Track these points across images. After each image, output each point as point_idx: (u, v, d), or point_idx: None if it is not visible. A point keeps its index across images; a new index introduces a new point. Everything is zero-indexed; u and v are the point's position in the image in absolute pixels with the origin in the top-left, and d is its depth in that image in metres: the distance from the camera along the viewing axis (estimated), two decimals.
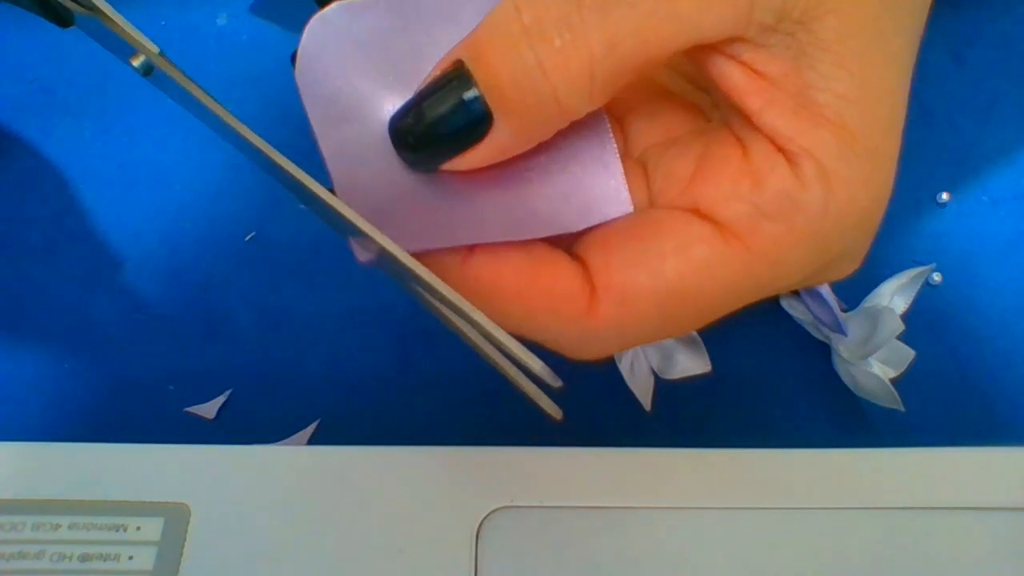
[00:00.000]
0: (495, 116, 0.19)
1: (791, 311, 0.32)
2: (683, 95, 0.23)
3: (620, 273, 0.20)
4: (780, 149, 0.19)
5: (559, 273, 0.20)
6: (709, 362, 0.30)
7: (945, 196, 0.34)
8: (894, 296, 0.30)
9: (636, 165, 0.22)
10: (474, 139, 0.19)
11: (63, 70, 0.37)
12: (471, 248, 0.20)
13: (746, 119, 0.20)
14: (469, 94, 0.18)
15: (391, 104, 0.20)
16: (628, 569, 0.23)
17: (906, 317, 0.29)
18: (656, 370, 0.30)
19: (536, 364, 0.17)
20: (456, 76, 0.19)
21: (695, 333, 0.29)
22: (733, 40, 0.19)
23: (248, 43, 0.37)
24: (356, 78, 0.20)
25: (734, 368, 0.31)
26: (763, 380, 0.31)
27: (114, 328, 0.32)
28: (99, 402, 0.30)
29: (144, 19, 0.38)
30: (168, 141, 0.35)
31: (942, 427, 0.30)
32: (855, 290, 0.31)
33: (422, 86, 0.19)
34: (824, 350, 0.31)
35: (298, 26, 0.20)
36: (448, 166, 0.20)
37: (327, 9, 0.20)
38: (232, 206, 0.34)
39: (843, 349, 0.30)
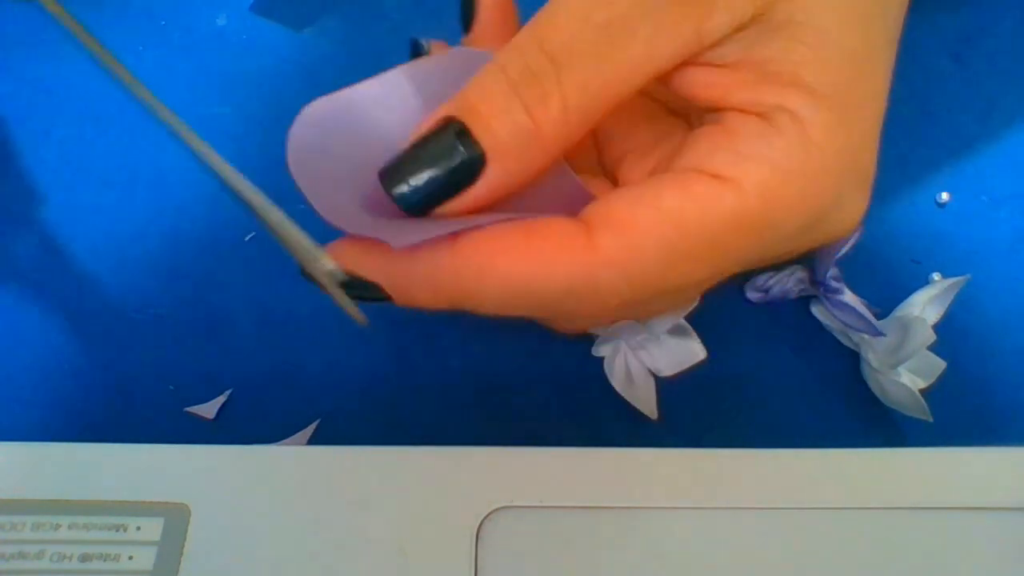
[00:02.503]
0: (488, 160, 0.21)
1: (821, 318, 0.31)
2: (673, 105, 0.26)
3: (619, 210, 0.21)
4: (752, 115, 0.21)
5: (549, 223, 0.21)
6: (703, 349, 0.29)
7: (945, 196, 0.34)
8: (926, 306, 0.30)
9: (604, 181, 0.25)
10: (467, 184, 0.21)
11: (63, 70, 0.37)
12: (454, 238, 0.21)
13: (717, 106, 0.22)
14: (463, 142, 0.20)
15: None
16: (628, 569, 0.23)
17: (938, 328, 0.29)
18: (652, 369, 0.30)
19: (327, 260, 0.21)
20: (447, 128, 0.21)
21: (682, 321, 0.29)
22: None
23: (248, 43, 0.37)
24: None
25: (757, 372, 0.31)
26: (785, 385, 0.31)
27: (114, 328, 0.32)
28: (99, 402, 0.30)
29: (144, 19, 0.38)
30: (168, 141, 0.35)
31: (957, 433, 0.30)
32: (876, 297, 0.30)
33: (413, 138, 0.21)
34: (853, 358, 0.31)
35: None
36: (441, 211, 0.21)
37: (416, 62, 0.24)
38: (232, 206, 0.34)
39: (872, 358, 0.29)
